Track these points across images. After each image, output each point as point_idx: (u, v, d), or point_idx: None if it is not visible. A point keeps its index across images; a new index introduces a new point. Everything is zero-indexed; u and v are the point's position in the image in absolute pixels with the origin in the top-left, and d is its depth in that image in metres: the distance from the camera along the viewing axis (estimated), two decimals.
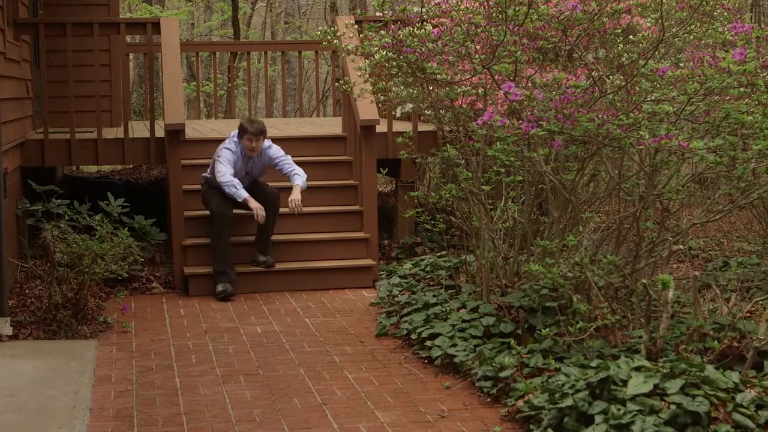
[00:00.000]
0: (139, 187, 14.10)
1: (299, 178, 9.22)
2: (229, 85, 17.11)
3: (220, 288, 8.99)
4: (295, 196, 9.12)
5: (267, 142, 9.43)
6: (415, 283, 8.32)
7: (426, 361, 6.81)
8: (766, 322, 5.74)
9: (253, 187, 9.34)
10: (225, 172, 9.08)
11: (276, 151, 9.41)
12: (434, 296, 7.64)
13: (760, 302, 6.61)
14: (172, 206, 9.51)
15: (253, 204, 9.03)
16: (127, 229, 8.46)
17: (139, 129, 11.54)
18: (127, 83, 12.09)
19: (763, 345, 5.66)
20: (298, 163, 9.47)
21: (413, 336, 7.14)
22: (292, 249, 9.55)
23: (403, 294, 8.09)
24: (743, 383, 5.27)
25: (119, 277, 8.50)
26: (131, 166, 15.63)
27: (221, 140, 9.67)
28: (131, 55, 21.10)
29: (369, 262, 9.61)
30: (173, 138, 9.55)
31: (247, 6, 29.94)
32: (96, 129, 10.18)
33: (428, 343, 6.87)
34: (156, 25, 10.47)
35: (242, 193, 9.03)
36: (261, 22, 34.35)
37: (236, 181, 9.06)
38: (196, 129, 11.85)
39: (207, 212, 9.37)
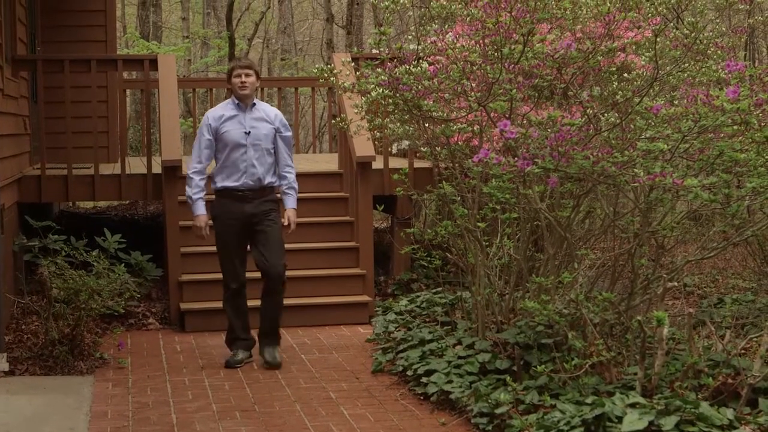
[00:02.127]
0: (135, 223, 14.11)
1: (292, 199, 8.00)
2: None
3: (229, 359, 7.88)
4: (293, 217, 7.95)
5: (276, 110, 8.10)
6: (411, 319, 8.33)
7: (422, 397, 6.81)
8: (760, 359, 5.75)
9: (257, 237, 7.85)
10: (193, 158, 7.91)
11: (287, 128, 8.02)
12: (430, 333, 7.64)
13: (755, 339, 6.63)
14: (169, 242, 9.52)
15: (199, 223, 7.87)
16: (123, 264, 8.48)
17: (135, 165, 11.57)
18: (124, 119, 12.11)
19: (758, 382, 5.68)
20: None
21: (409, 372, 7.15)
22: (288, 285, 9.54)
23: (399, 330, 8.10)
24: (738, 420, 5.29)
25: (116, 313, 8.50)
26: (128, 201, 15.65)
27: None
28: (128, 91, 21.15)
29: (365, 298, 9.62)
30: (170, 174, 9.58)
31: (243, 43, 30.06)
32: (93, 165, 10.21)
33: (424, 379, 6.87)
34: (153, 62, 10.52)
35: (198, 208, 7.84)
36: (258, 58, 34.47)
37: (197, 182, 7.83)
38: None
39: (204, 248, 9.34)
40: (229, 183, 7.78)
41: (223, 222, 7.84)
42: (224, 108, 7.95)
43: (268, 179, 7.84)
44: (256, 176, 7.78)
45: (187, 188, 7.87)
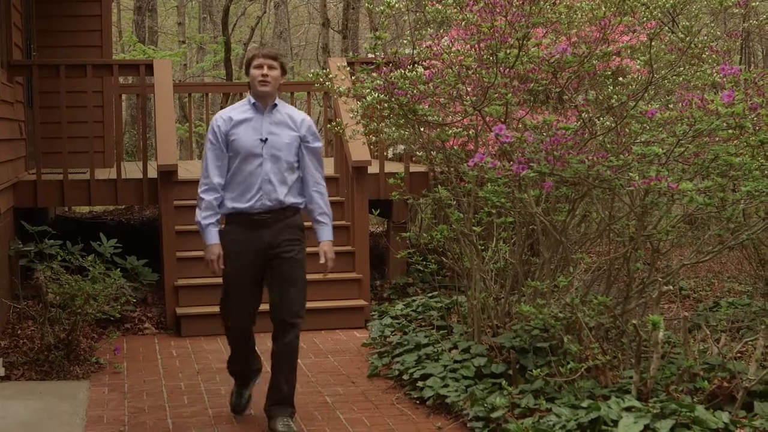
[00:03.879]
0: (131, 228, 14.11)
1: (327, 229, 6.30)
2: None
3: (234, 402, 6.67)
4: (329, 252, 6.30)
5: (304, 114, 6.38)
6: (407, 323, 8.33)
7: (418, 401, 6.81)
8: (756, 362, 5.76)
9: (273, 274, 6.22)
10: (202, 173, 6.27)
11: (316, 137, 6.32)
12: (426, 337, 7.65)
13: (750, 342, 6.64)
14: (165, 247, 9.52)
15: (210, 255, 6.19)
16: (119, 269, 8.48)
17: (131, 170, 11.58)
18: (120, 124, 12.13)
19: (753, 385, 5.68)
20: None
21: (405, 377, 7.15)
22: None
23: (395, 334, 8.10)
24: (733, 424, 5.29)
25: (111, 318, 8.51)
26: (123, 206, 15.65)
27: None
28: (124, 96, 21.16)
29: (361, 302, 9.63)
30: (166, 179, 9.58)
31: (239, 47, 30.08)
32: (89, 169, 10.21)
33: (420, 383, 6.87)
34: (149, 67, 10.53)
35: (209, 236, 6.19)
36: None
37: (208, 202, 6.17)
38: (189, 170, 11.88)
39: (199, 253, 9.31)
40: (241, 204, 6.13)
41: (233, 255, 6.18)
42: (237, 109, 6.27)
43: (291, 200, 6.18)
44: (273, 196, 6.11)
45: (197, 211, 6.23)
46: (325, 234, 6.27)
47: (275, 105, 6.24)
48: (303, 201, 6.27)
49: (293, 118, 6.25)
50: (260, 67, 6.16)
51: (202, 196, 6.18)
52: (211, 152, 6.19)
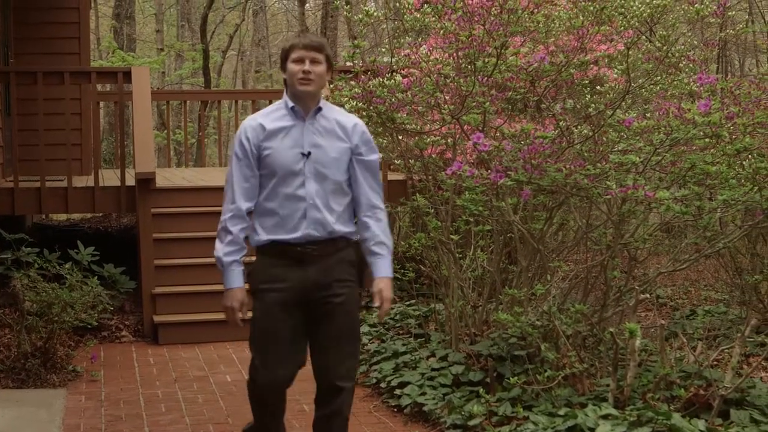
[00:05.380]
0: (109, 236, 14.07)
1: (385, 263, 4.91)
2: (200, 133, 17.15)
3: None
4: (387, 292, 4.91)
5: (355, 119, 5.02)
6: (385, 331, 8.33)
7: (395, 409, 6.81)
8: (732, 370, 5.79)
9: (320, 325, 4.90)
10: (225, 197, 4.89)
11: (372, 149, 4.97)
12: (404, 345, 7.65)
13: (727, 350, 6.67)
14: (142, 255, 9.50)
15: (231, 302, 4.84)
16: (96, 277, 8.45)
17: (109, 177, 11.55)
18: (98, 131, 12.10)
19: (730, 393, 5.71)
20: None
21: (383, 384, 7.15)
22: None
23: (373, 342, 8.10)
24: (710, 431, 5.31)
25: (89, 326, 8.48)
26: (101, 214, 15.61)
27: (192, 189, 9.64)
28: (102, 104, 21.12)
29: None
30: (144, 186, 9.56)
31: (218, 55, 30.07)
32: (66, 177, 10.18)
33: (398, 391, 6.87)
34: (127, 74, 10.51)
35: (232, 278, 4.83)
36: (232, 70, 34.47)
37: (235, 235, 4.83)
38: (167, 177, 11.87)
39: (178, 260, 9.32)
40: (281, 235, 4.80)
41: (268, 297, 4.83)
42: (270, 114, 4.92)
43: (341, 228, 4.86)
44: (321, 223, 4.80)
45: (217, 244, 4.87)
46: (383, 269, 4.89)
47: (319, 109, 4.88)
48: (355, 230, 4.95)
49: (343, 125, 4.89)
50: (301, 61, 4.77)
51: (227, 226, 4.81)
52: (237, 170, 4.83)
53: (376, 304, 4.89)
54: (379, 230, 4.89)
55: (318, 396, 5.03)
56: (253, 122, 4.86)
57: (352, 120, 4.95)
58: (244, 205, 4.81)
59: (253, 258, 4.94)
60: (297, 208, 4.77)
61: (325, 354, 4.89)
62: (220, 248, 4.82)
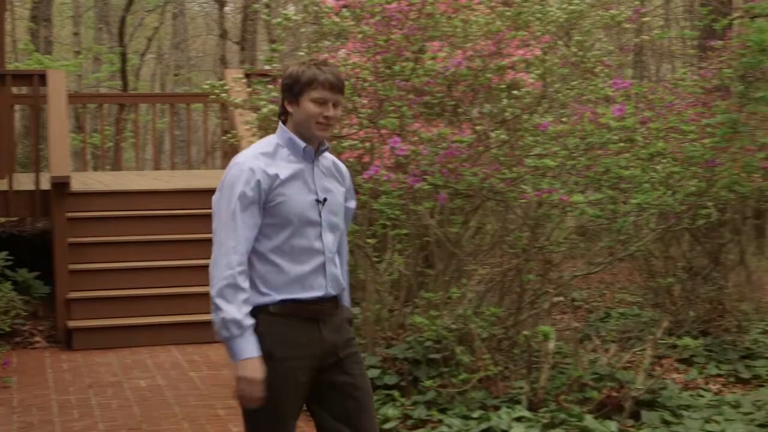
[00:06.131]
0: (23, 240, 13.85)
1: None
2: (117, 137, 16.98)
3: None
4: None
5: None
6: None
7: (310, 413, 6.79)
8: (643, 372, 5.87)
9: (339, 394, 4.09)
10: (222, 243, 3.91)
11: (353, 194, 4.34)
12: None
13: (639, 353, 6.75)
14: (57, 259, 9.38)
15: (251, 373, 3.77)
16: (10, 282, 8.34)
17: (24, 181, 11.37)
18: (12, 135, 11.91)
19: (641, 395, 5.78)
20: (182, 217, 9.27)
21: None
22: (178, 302, 9.46)
23: None
24: None
25: (1, 332, 8.36)
26: (15, 218, 15.37)
27: (108, 193, 9.57)
28: (17, 107, 20.82)
29: None
30: (59, 190, 9.45)
31: (136, 58, 29.81)
32: None
33: None
34: (42, 77, 10.38)
35: (245, 346, 3.78)
36: (151, 73, 34.21)
37: (240, 290, 3.79)
38: (83, 181, 11.72)
39: (93, 265, 9.22)
40: (298, 294, 3.92)
41: (285, 365, 3.91)
42: (276, 155, 4.01)
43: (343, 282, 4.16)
44: (337, 279, 4.04)
45: (221, 304, 3.78)
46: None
47: (324, 146, 4.10)
48: None
49: (338, 166, 4.20)
50: (323, 103, 3.91)
51: (239, 283, 3.81)
52: (243, 217, 3.92)
53: None
54: (345, 279, 4.16)
55: None
56: (260, 162, 3.95)
57: (339, 161, 4.25)
58: (247, 254, 3.90)
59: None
60: (315, 263, 3.96)
61: (357, 414, 4.13)
62: (232, 310, 3.76)
